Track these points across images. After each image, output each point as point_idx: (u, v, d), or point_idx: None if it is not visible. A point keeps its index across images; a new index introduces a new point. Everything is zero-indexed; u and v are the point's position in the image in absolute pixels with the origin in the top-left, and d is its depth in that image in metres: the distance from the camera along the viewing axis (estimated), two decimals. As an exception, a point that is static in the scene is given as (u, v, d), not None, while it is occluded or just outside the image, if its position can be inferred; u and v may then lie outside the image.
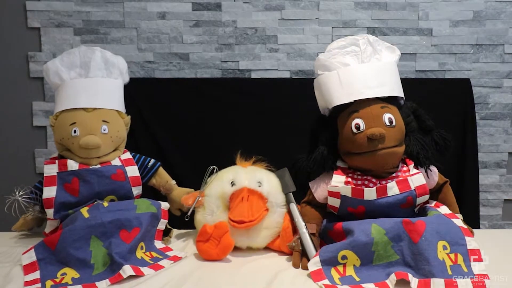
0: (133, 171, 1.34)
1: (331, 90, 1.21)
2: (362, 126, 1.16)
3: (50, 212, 1.25)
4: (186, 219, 1.31)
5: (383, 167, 1.19)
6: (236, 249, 1.22)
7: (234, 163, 1.36)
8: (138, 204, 1.26)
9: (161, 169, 1.44)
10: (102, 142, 1.29)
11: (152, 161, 1.42)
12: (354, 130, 1.17)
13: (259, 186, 1.26)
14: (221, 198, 1.26)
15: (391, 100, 1.21)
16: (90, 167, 1.29)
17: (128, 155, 1.38)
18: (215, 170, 1.33)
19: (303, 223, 1.21)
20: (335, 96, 1.20)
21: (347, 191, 1.17)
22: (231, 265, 1.17)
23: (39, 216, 1.35)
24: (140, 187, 1.36)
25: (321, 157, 1.23)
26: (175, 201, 1.39)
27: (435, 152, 1.25)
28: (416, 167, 1.22)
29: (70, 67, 1.33)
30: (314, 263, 1.08)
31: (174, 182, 1.45)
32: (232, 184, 1.26)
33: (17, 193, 1.29)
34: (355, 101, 1.19)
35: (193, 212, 1.31)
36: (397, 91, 1.23)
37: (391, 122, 1.16)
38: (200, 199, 1.29)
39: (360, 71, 1.20)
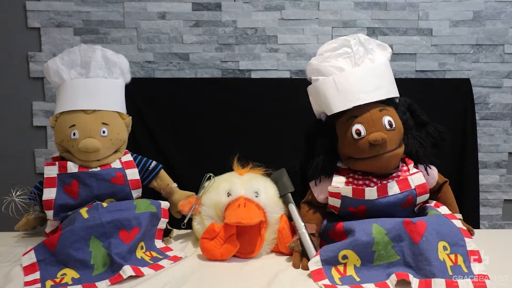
0: (133, 174, 1.33)
1: (328, 97, 1.19)
2: (363, 132, 1.15)
3: (50, 213, 1.25)
4: (183, 227, 1.31)
5: (386, 170, 1.19)
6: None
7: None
8: (138, 203, 1.26)
9: (162, 172, 1.42)
10: (102, 145, 1.27)
11: (154, 163, 1.40)
12: (355, 136, 1.16)
13: (256, 196, 1.23)
14: (217, 208, 1.24)
15: (387, 101, 1.20)
16: (90, 170, 1.28)
17: (129, 157, 1.37)
18: (211, 177, 1.32)
19: (302, 224, 1.21)
20: (332, 103, 1.18)
21: (348, 191, 1.17)
22: (231, 265, 1.17)
23: (41, 215, 1.34)
24: (140, 190, 1.35)
25: (322, 165, 1.22)
26: (176, 205, 1.36)
27: (432, 147, 1.25)
28: (416, 166, 1.22)
29: (70, 66, 1.31)
30: (315, 263, 1.08)
31: (175, 185, 1.43)
32: (228, 194, 1.24)
33: (14, 194, 1.28)
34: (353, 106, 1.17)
35: (189, 219, 1.30)
36: (393, 91, 1.21)
37: (391, 125, 1.16)
38: (196, 206, 1.29)
39: (355, 76, 1.17)
